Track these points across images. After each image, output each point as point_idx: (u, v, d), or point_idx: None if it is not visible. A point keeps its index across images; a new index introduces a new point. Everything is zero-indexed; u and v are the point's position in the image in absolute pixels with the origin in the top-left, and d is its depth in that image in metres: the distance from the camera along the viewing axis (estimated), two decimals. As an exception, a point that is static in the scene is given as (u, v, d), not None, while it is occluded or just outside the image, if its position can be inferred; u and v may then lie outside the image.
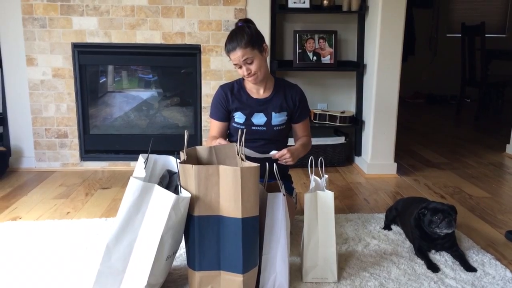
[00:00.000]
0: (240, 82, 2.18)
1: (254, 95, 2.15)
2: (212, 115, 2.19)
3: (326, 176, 1.89)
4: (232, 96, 2.13)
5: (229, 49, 2.01)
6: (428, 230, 1.95)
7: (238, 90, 2.15)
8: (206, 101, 3.21)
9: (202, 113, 3.24)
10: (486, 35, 5.06)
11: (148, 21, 3.08)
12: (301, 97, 2.20)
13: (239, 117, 2.13)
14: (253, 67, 2.01)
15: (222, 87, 2.18)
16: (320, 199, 1.77)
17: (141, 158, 1.67)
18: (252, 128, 2.12)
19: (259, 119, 2.13)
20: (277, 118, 2.14)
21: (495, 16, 6.80)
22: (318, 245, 1.76)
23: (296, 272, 1.82)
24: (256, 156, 1.95)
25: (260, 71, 2.04)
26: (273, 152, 2.02)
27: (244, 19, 2.14)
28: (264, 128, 2.13)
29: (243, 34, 1.99)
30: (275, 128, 2.14)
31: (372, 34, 3.11)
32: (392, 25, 2.99)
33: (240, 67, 2.02)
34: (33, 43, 3.07)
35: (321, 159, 1.91)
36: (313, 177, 1.91)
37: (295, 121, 2.21)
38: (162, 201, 1.53)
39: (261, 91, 2.15)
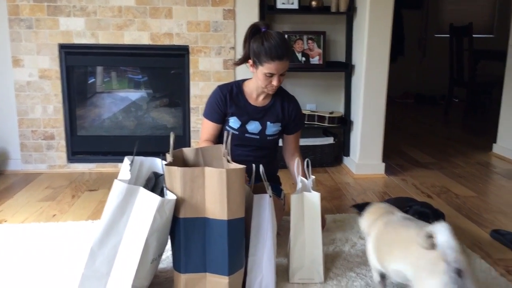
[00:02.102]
0: (239, 85, 2.11)
1: (253, 101, 2.09)
2: (207, 115, 2.10)
3: (313, 177, 1.89)
4: (230, 99, 2.06)
5: (273, 57, 1.86)
6: None
7: (236, 94, 2.08)
8: (195, 102, 3.20)
9: (191, 114, 3.23)
10: (474, 36, 5.10)
11: (136, 21, 3.07)
12: (298, 111, 2.17)
13: (233, 122, 2.08)
14: (282, 79, 1.97)
15: (221, 88, 2.09)
16: (307, 200, 1.77)
17: (127, 160, 1.66)
18: (246, 135, 2.09)
19: (253, 127, 2.09)
20: (271, 128, 2.11)
21: (483, 16, 6.87)
22: (305, 246, 1.77)
23: (283, 273, 1.82)
24: None
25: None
26: None
27: (264, 22, 1.98)
28: (258, 137, 2.10)
29: (288, 45, 1.90)
30: (268, 138, 2.12)
31: (360, 35, 3.12)
32: (380, 26, 3.01)
33: (271, 76, 1.93)
34: (20, 44, 3.04)
35: (307, 160, 1.91)
36: (299, 178, 1.91)
37: (289, 132, 2.19)
38: (147, 204, 1.52)
39: (261, 98, 2.10)
